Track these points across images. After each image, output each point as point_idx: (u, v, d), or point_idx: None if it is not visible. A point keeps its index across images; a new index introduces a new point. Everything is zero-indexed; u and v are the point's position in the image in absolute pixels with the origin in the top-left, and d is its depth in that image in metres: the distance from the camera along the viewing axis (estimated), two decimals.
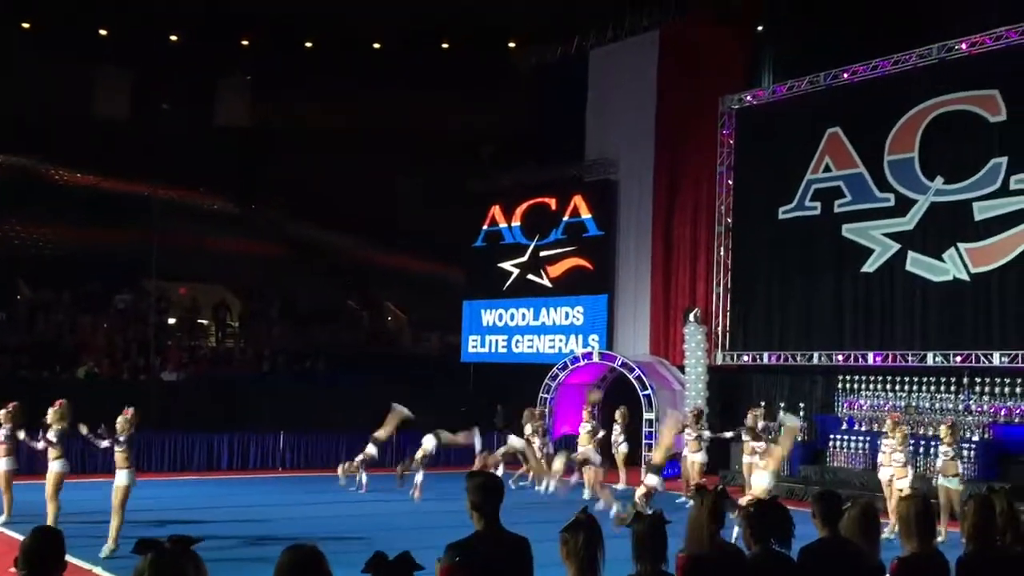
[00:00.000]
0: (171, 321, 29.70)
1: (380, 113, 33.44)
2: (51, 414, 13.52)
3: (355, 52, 33.01)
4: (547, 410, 22.96)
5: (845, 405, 20.79)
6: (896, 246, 20.27)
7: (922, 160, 19.89)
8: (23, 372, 23.67)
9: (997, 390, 18.76)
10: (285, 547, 4.07)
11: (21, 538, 12.82)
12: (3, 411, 14.60)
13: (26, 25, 31.33)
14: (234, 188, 36.39)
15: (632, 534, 5.11)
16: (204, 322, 30.84)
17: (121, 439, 12.30)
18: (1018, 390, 18.55)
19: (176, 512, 14.95)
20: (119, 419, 12.48)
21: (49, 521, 12.55)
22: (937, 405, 19.25)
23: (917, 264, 19.94)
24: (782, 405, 21.28)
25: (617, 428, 20.93)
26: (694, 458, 18.51)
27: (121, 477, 12.24)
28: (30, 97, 31.09)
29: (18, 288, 29.20)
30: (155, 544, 3.87)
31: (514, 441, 19.53)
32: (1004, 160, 18.71)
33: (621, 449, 20.90)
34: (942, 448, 15.04)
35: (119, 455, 12.34)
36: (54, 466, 13.11)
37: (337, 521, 14.75)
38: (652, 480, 15.08)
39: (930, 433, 18.21)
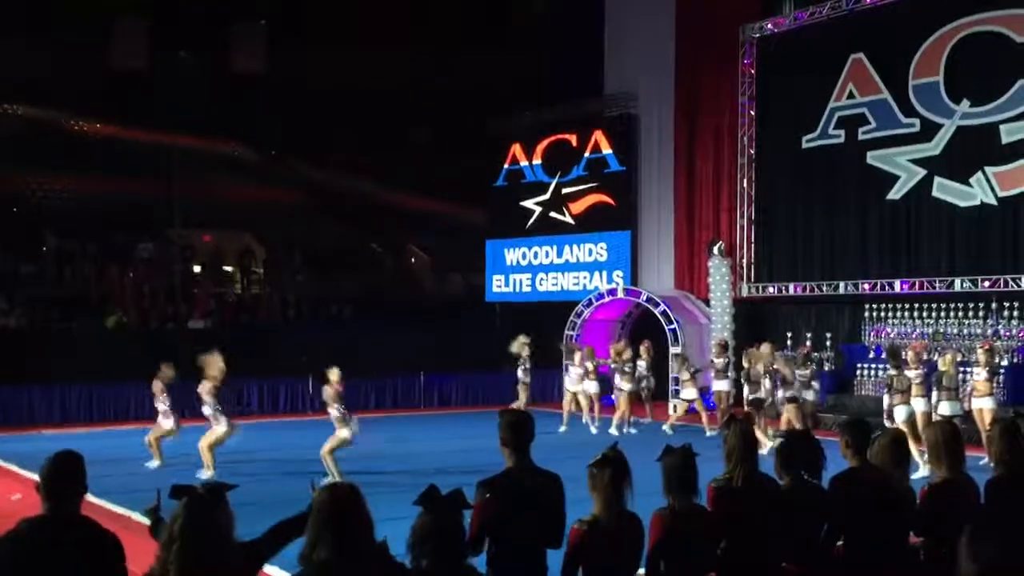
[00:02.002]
0: (196, 269, 29.86)
1: (397, 55, 33.17)
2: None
3: None
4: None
5: (872, 334, 20.71)
6: (922, 172, 20.04)
7: (948, 84, 19.58)
8: (53, 323, 23.94)
9: None
10: (322, 486, 4.12)
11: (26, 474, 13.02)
12: (157, 382, 14.75)
13: None
14: (254, 135, 36.32)
15: (662, 467, 5.15)
16: (229, 269, 31.00)
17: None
18: None
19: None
20: (327, 389, 13.05)
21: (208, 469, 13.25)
22: (965, 331, 19.15)
23: (943, 189, 19.72)
24: (808, 336, 21.25)
25: (643, 364, 20.79)
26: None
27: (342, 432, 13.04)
28: (47, 49, 31.00)
29: (44, 240, 29.40)
30: (189, 490, 3.94)
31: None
32: None
33: (646, 384, 20.71)
34: (976, 370, 14.97)
35: (336, 417, 13.03)
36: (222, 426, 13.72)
37: (370, 461, 14.90)
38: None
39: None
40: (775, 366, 16.52)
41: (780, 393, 16.43)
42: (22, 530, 4.22)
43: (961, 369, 15.71)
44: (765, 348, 17.11)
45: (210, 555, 3.88)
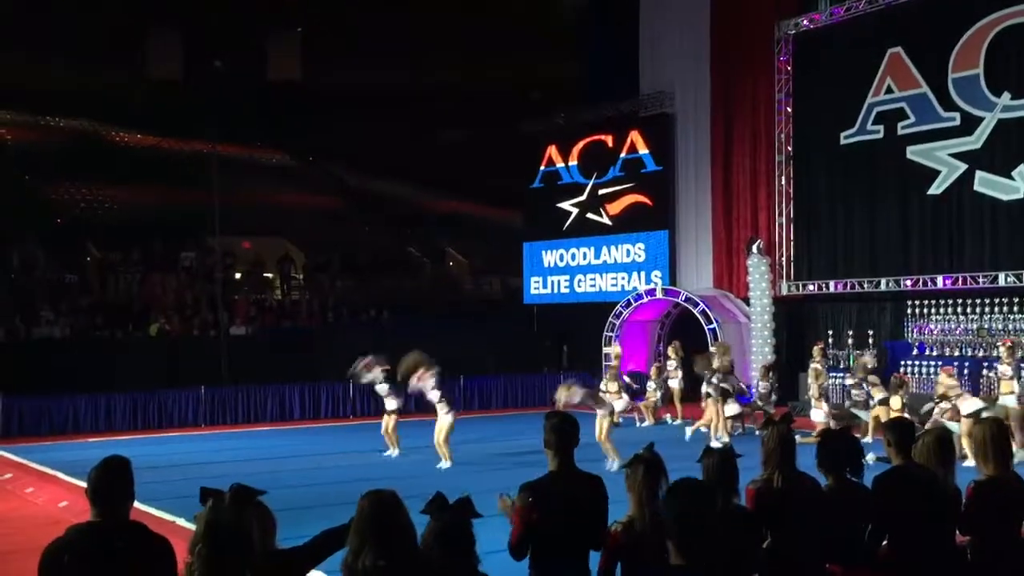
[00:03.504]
0: (237, 276, 30.10)
1: (431, 60, 33.30)
2: None
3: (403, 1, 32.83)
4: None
5: (915, 331, 20.50)
6: (963, 166, 19.80)
7: (988, 76, 19.34)
8: (97, 332, 24.23)
9: None
10: (364, 492, 4.13)
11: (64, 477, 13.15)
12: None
13: None
14: (290, 142, 36.61)
15: (702, 468, 5.13)
16: (269, 275, 31.22)
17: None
18: None
19: (251, 464, 15.24)
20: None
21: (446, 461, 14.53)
22: (1011, 326, 18.92)
23: (986, 183, 19.48)
24: (850, 333, 21.06)
25: (672, 363, 20.77)
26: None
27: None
28: (84, 62, 31.41)
29: (88, 250, 29.78)
30: (216, 493, 3.96)
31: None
32: None
33: (674, 384, 20.58)
34: (1000, 368, 14.79)
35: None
36: (447, 418, 14.69)
37: (408, 466, 14.96)
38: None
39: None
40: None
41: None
42: (72, 537, 4.16)
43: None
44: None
45: (234, 559, 3.88)
